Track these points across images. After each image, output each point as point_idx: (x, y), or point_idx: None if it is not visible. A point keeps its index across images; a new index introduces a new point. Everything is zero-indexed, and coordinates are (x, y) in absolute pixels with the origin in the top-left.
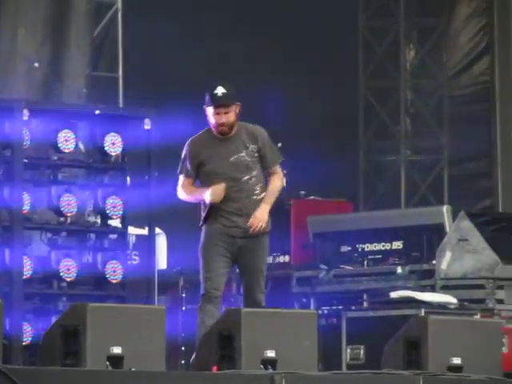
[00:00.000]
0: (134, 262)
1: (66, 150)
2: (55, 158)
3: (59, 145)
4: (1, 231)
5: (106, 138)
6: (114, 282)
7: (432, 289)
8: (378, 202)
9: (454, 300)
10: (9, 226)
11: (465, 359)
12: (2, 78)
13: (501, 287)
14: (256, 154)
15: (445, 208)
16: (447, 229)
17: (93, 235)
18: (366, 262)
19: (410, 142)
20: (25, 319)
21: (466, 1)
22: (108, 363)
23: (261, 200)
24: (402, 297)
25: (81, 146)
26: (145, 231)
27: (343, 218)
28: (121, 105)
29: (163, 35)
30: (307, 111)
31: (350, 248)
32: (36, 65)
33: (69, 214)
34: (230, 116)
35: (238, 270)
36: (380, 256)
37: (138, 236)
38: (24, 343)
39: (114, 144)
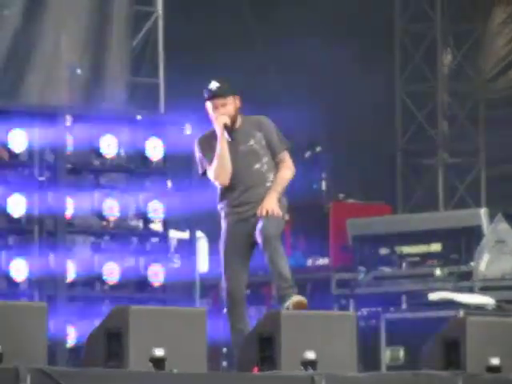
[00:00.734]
0: (176, 266)
1: (108, 156)
2: (97, 163)
3: (101, 150)
4: (45, 236)
5: (147, 143)
6: (155, 284)
7: (470, 290)
8: (416, 204)
9: (492, 301)
10: (52, 230)
11: (503, 359)
12: (45, 84)
13: None
14: (263, 142)
15: (482, 210)
16: (485, 231)
17: (135, 239)
18: (404, 264)
19: (447, 145)
20: (69, 322)
21: (502, 5)
22: (150, 365)
23: None
24: (441, 298)
25: (121, 151)
26: (186, 235)
27: (382, 221)
28: (162, 110)
29: (204, 40)
30: (345, 114)
31: (388, 250)
32: (78, 71)
33: (111, 218)
34: (228, 109)
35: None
36: (418, 258)
37: (179, 239)
38: (68, 345)
39: (155, 149)
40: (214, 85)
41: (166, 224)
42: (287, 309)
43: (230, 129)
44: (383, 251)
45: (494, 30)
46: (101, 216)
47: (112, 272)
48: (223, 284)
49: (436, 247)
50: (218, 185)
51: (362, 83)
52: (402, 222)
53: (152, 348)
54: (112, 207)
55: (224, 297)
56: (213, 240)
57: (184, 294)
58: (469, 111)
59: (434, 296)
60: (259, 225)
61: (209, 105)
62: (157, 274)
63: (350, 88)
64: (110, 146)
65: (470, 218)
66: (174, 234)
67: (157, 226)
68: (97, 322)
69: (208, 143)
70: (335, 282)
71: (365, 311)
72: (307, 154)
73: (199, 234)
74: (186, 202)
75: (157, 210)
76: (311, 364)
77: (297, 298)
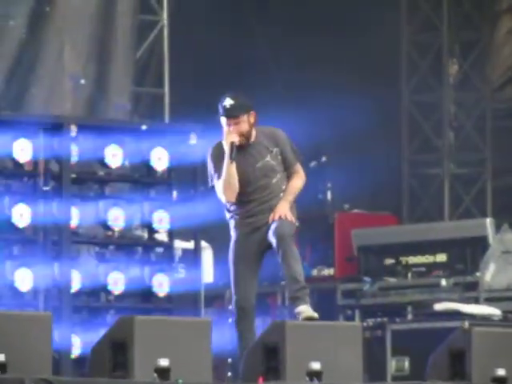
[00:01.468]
0: (181, 276)
1: (113, 166)
2: (102, 173)
3: (106, 160)
4: (49, 246)
5: (152, 153)
6: (160, 295)
7: (476, 301)
8: (421, 214)
9: (498, 312)
10: (57, 240)
11: (509, 370)
12: (49, 94)
13: None
14: (279, 157)
15: (488, 220)
16: (491, 241)
17: (140, 249)
18: (410, 275)
19: (453, 155)
20: (73, 332)
21: (508, 15)
22: (155, 375)
23: None
24: (447, 309)
25: (126, 161)
26: (191, 245)
27: (387, 231)
28: (167, 120)
29: (209, 50)
30: (351, 124)
31: (394, 261)
32: (82, 82)
33: (116, 228)
34: (241, 126)
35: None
36: (424, 268)
37: (184, 249)
38: (73, 356)
39: (160, 159)
40: (228, 102)
41: (171, 234)
42: (298, 315)
43: (239, 146)
44: (388, 261)
45: (501, 39)
46: (106, 226)
47: (117, 282)
48: (232, 294)
49: (442, 257)
50: (224, 201)
51: (369, 93)
52: (408, 232)
53: (157, 358)
54: (117, 217)
55: (233, 307)
56: (218, 250)
57: (189, 305)
58: (475, 121)
59: (439, 306)
60: (273, 226)
61: (222, 120)
62: (162, 284)
63: (356, 98)
64: (114, 156)
65: (475, 228)
66: (179, 244)
67: (162, 236)
68: (102, 332)
69: (221, 156)
70: (340, 293)
71: (370, 322)
72: (312, 164)
73: (204, 244)
74: (190, 212)
75: (162, 220)
76: (316, 374)
77: (309, 314)
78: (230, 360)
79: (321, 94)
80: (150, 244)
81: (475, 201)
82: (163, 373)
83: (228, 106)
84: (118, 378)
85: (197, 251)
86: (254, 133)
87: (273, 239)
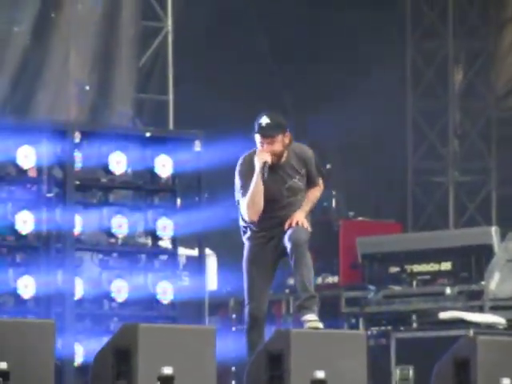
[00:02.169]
0: (185, 283)
1: (117, 172)
2: (106, 180)
3: (110, 167)
4: (53, 253)
5: (156, 160)
6: (164, 302)
7: (481, 309)
8: (426, 222)
9: (502, 320)
10: (60, 247)
11: None
12: (54, 100)
13: None
14: (305, 177)
15: (493, 229)
16: (496, 249)
17: (143, 256)
18: (414, 283)
19: (458, 163)
20: (76, 340)
21: None
22: (159, 383)
23: None
24: (451, 317)
25: (129, 168)
26: (195, 252)
27: (392, 239)
28: (171, 127)
29: (213, 58)
30: (356, 132)
31: (398, 269)
32: (87, 88)
33: (120, 236)
34: (275, 146)
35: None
36: (428, 277)
37: (188, 257)
38: (76, 364)
39: (164, 166)
40: (264, 120)
41: (175, 241)
42: (304, 323)
43: (270, 165)
44: (393, 269)
45: (506, 47)
46: (109, 233)
47: (120, 289)
48: (245, 303)
49: (446, 266)
50: (247, 219)
51: (373, 100)
52: (413, 240)
53: (161, 366)
54: (121, 224)
55: (245, 316)
56: (222, 257)
57: (193, 312)
58: (480, 129)
59: (444, 315)
60: (289, 231)
61: (257, 137)
62: (165, 292)
63: (362, 105)
64: (118, 163)
65: (480, 236)
66: (183, 252)
67: (165, 244)
68: (105, 340)
69: (250, 173)
70: (345, 301)
71: (374, 330)
72: None
73: (208, 251)
74: (195, 220)
75: (166, 227)
76: (321, 383)
77: (314, 324)
78: (233, 368)
79: (325, 101)
80: (154, 251)
81: (480, 209)
82: (167, 381)
83: (264, 125)
84: None
85: (201, 259)
86: (285, 153)
87: (288, 244)
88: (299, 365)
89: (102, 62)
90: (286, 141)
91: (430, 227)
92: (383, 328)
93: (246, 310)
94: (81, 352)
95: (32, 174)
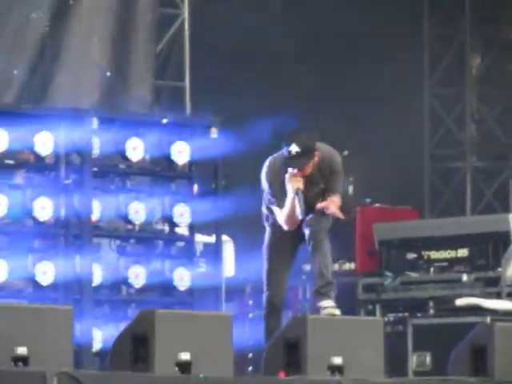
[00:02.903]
0: (202, 270)
1: (135, 159)
2: (124, 166)
3: (128, 153)
4: (71, 239)
5: (172, 147)
6: (181, 288)
7: (498, 296)
8: (443, 209)
9: None
10: (78, 233)
11: None
12: (73, 87)
13: None
14: (328, 184)
15: (510, 216)
16: None
17: (160, 242)
18: (431, 270)
19: (475, 149)
20: (94, 326)
21: None
22: (176, 369)
23: None
24: (468, 304)
25: (147, 154)
26: (212, 239)
27: (409, 226)
28: (188, 113)
29: (230, 42)
30: (373, 117)
31: (415, 255)
32: (108, 74)
33: (137, 222)
34: (306, 171)
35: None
36: (446, 263)
37: (205, 244)
38: (94, 349)
39: (181, 152)
40: (293, 149)
41: (192, 228)
42: (320, 309)
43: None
44: (410, 256)
45: None
46: (127, 219)
47: (138, 276)
48: (264, 290)
49: (463, 252)
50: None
51: (390, 86)
52: (430, 226)
53: (178, 352)
54: (138, 210)
55: (263, 302)
56: (239, 244)
57: (210, 299)
58: (497, 115)
59: (461, 302)
60: (309, 217)
61: (286, 163)
62: (182, 278)
63: (378, 91)
64: (136, 149)
65: (497, 223)
66: (200, 239)
67: (182, 230)
68: (123, 326)
69: (277, 177)
70: (361, 287)
71: (391, 316)
72: None
73: (225, 238)
74: (211, 206)
75: (183, 214)
76: (338, 369)
77: (331, 311)
78: (250, 354)
79: (343, 88)
80: (171, 238)
81: (497, 194)
82: (184, 366)
83: (294, 154)
84: (139, 371)
85: (218, 245)
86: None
87: (306, 230)
88: (316, 351)
89: (120, 46)
90: (316, 160)
91: (447, 213)
92: (400, 314)
93: (264, 296)
94: (99, 338)
95: (50, 160)
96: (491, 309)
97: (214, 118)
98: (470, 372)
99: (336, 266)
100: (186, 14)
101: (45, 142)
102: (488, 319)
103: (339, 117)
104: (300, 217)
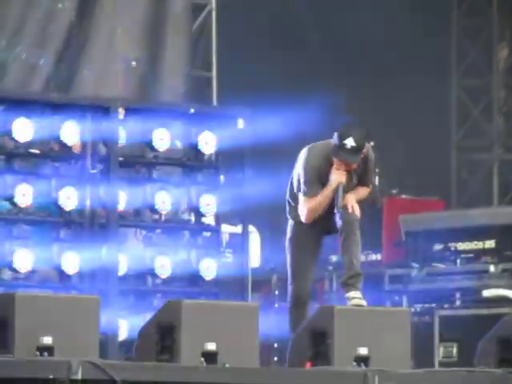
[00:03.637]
0: (228, 260)
1: (161, 149)
2: (150, 156)
3: (154, 143)
4: (97, 229)
5: (199, 137)
6: (207, 279)
7: None
8: (470, 200)
9: None
10: (104, 223)
11: None
12: (100, 77)
13: None
14: (361, 178)
15: None
16: None
17: (187, 233)
18: (458, 261)
19: (502, 141)
20: (120, 315)
21: None
22: (202, 359)
23: None
24: (495, 295)
25: (178, 143)
26: (238, 229)
27: (435, 217)
28: (215, 104)
29: (256, 35)
30: (400, 109)
31: (442, 246)
32: (133, 64)
33: (163, 212)
34: (354, 166)
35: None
36: (472, 254)
37: (231, 234)
38: (120, 339)
39: (207, 143)
40: (349, 143)
41: (218, 218)
42: (347, 300)
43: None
44: (437, 247)
45: None
46: (153, 209)
47: (164, 266)
48: (289, 282)
49: (490, 244)
50: (302, 219)
51: (417, 77)
52: (456, 217)
53: (204, 342)
54: (164, 201)
55: (289, 295)
56: (265, 234)
57: (236, 289)
58: None
59: (488, 293)
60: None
61: (336, 154)
62: (209, 268)
63: (405, 82)
64: (162, 139)
65: None
66: (226, 229)
67: (209, 220)
68: (148, 316)
69: (315, 166)
70: (388, 278)
71: (418, 307)
72: None
73: (251, 228)
74: (238, 197)
75: (209, 204)
76: (364, 360)
77: (357, 302)
78: (276, 345)
79: (368, 78)
80: (197, 228)
81: None
82: (210, 357)
83: (349, 148)
84: (165, 361)
85: (244, 236)
86: None
87: (339, 222)
88: (342, 342)
89: (150, 37)
90: (364, 152)
91: (474, 205)
92: (426, 305)
93: (290, 289)
94: (124, 328)
95: (76, 150)
96: None
97: (240, 109)
98: (496, 363)
99: (362, 257)
100: (214, 5)
101: (71, 132)
102: None
103: (365, 107)
104: (336, 211)
